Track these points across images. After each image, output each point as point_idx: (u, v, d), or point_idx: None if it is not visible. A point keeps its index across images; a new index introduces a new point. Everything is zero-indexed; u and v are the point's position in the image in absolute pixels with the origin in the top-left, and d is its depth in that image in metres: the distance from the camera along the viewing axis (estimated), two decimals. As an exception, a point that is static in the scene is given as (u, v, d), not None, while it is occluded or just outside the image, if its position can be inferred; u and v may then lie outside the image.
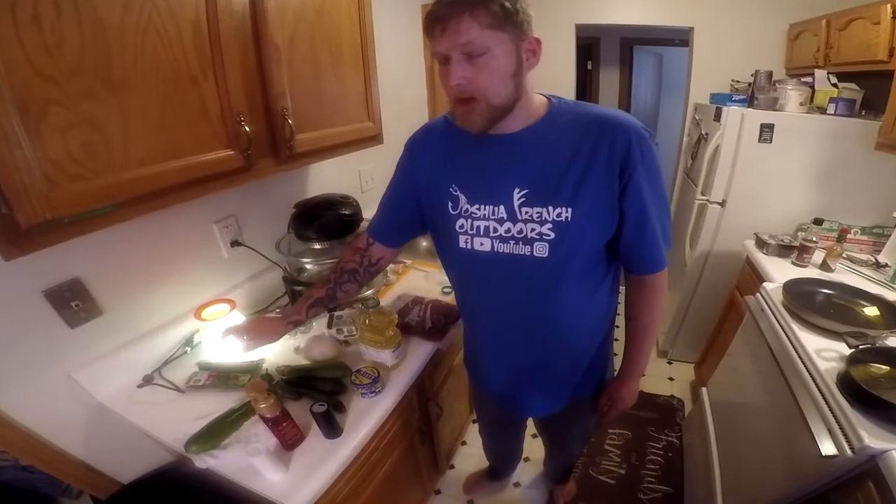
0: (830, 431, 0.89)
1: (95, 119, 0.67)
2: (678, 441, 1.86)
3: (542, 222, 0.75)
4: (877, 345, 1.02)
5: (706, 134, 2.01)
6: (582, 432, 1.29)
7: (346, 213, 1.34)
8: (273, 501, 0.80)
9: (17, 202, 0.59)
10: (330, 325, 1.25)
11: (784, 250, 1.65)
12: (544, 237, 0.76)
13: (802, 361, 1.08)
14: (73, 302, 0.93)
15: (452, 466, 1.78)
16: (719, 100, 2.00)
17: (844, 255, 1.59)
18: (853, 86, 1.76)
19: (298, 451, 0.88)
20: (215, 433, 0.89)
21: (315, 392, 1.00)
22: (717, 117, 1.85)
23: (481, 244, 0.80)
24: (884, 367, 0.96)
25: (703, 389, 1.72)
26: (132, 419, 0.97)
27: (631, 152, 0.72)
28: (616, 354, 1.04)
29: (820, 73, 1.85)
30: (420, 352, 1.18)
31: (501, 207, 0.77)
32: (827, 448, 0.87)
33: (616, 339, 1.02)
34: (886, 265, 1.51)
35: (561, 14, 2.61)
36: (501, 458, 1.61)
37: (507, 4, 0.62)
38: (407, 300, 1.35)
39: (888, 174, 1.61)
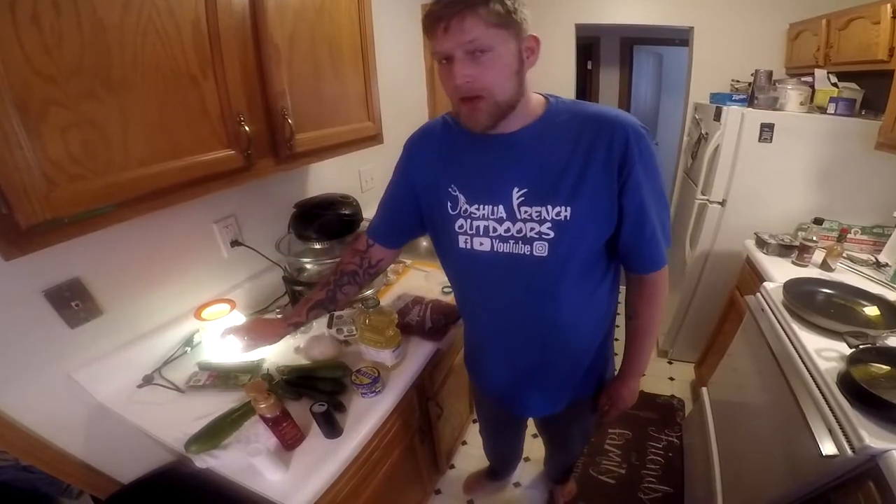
0: (831, 431, 0.89)
1: (95, 119, 0.67)
2: (678, 441, 1.86)
3: (542, 221, 0.75)
4: (877, 344, 1.02)
5: (706, 133, 2.01)
6: (582, 432, 1.29)
7: (346, 212, 1.34)
8: (273, 501, 0.80)
9: (17, 202, 0.59)
10: (330, 325, 1.25)
11: (784, 250, 1.65)
12: (543, 236, 0.76)
13: (803, 361, 1.08)
14: (73, 302, 0.93)
15: (452, 466, 1.78)
16: (719, 99, 2.00)
17: (845, 255, 1.59)
18: (853, 85, 1.76)
19: (298, 451, 0.88)
20: (215, 433, 0.89)
21: (315, 392, 1.00)
22: (717, 117, 1.85)
23: (481, 244, 0.80)
24: (884, 366, 0.96)
25: (704, 389, 1.72)
26: (132, 419, 0.97)
27: (629, 150, 0.72)
28: (616, 354, 1.04)
29: (820, 73, 1.85)
30: (420, 352, 1.18)
31: (500, 207, 0.77)
32: (827, 448, 0.86)
33: (616, 339, 1.02)
34: (887, 265, 1.51)
35: (561, 14, 2.61)
36: (501, 458, 1.61)
37: (508, 2, 0.63)
38: (407, 300, 1.35)
39: (888, 174, 1.61)
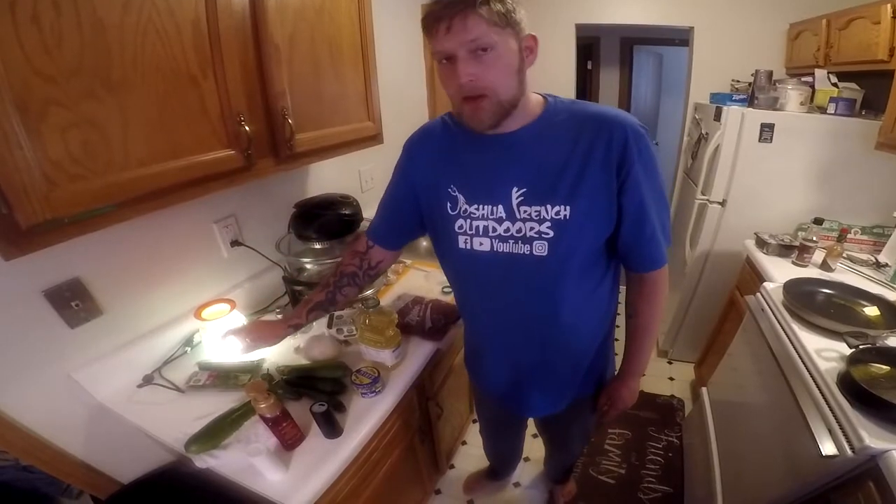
0: (831, 431, 0.89)
1: (95, 119, 0.67)
2: (678, 441, 1.86)
3: (541, 221, 0.75)
4: (877, 345, 1.02)
5: (706, 133, 2.01)
6: (582, 432, 1.29)
7: (347, 212, 1.34)
8: (273, 501, 0.80)
9: (17, 202, 0.59)
10: (330, 325, 1.25)
11: (784, 250, 1.65)
12: (543, 236, 0.76)
13: (803, 361, 1.08)
14: (73, 302, 0.93)
15: (452, 466, 1.78)
16: (719, 99, 2.00)
17: (845, 255, 1.59)
18: (853, 85, 1.76)
19: (298, 451, 0.88)
20: (215, 433, 0.89)
21: (315, 392, 1.00)
22: (718, 117, 1.85)
23: (480, 244, 0.80)
24: (884, 366, 0.96)
25: (704, 389, 1.72)
26: (132, 419, 0.97)
27: (628, 149, 0.72)
28: (616, 354, 1.04)
29: (820, 73, 1.85)
30: (420, 352, 1.18)
31: (500, 207, 0.77)
32: (827, 448, 0.86)
33: (616, 339, 1.02)
34: (887, 265, 1.51)
35: (561, 14, 2.61)
36: (501, 458, 1.61)
37: (508, 2, 0.63)
38: (407, 300, 1.35)
39: (888, 174, 1.61)
